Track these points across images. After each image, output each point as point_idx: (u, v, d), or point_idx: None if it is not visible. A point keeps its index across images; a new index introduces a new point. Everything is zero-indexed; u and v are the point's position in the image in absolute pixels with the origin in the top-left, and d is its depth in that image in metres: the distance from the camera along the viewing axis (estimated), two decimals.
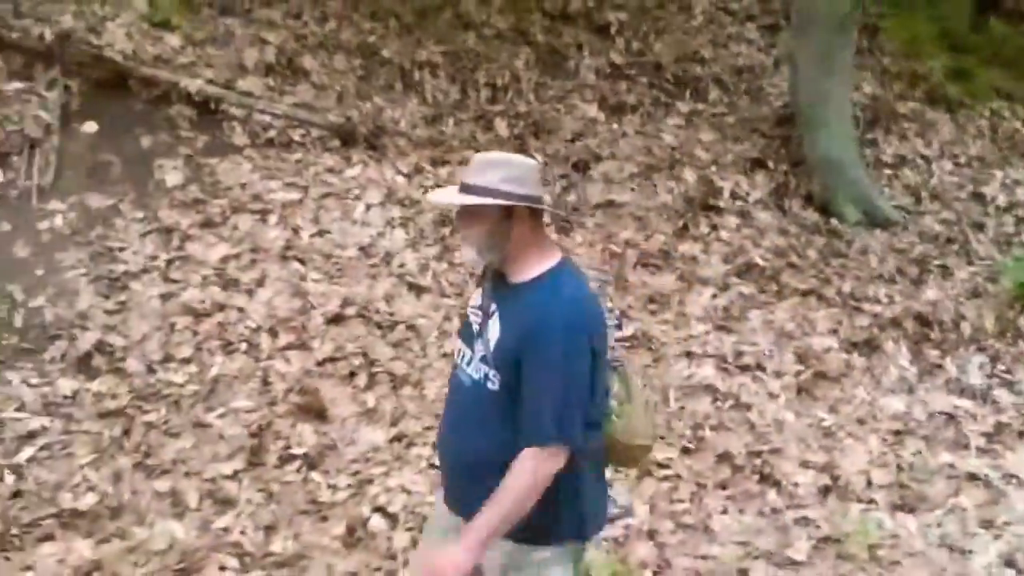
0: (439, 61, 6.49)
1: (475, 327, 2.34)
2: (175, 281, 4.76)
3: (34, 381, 4.23)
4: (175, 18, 6.02)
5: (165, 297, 4.67)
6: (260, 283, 4.83)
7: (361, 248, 5.17)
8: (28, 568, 3.50)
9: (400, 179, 5.63)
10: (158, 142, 5.51)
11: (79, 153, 5.33)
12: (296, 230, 5.21)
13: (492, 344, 2.25)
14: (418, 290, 5.06)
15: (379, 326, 4.78)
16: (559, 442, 2.17)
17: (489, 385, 2.26)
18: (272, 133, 5.76)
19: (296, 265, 4.98)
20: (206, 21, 6.14)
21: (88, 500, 3.77)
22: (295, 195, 5.39)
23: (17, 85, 5.35)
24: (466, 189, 2.26)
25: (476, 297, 2.42)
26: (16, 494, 3.76)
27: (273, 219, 5.23)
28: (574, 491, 2.29)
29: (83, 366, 4.34)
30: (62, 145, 5.28)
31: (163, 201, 5.19)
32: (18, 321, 4.47)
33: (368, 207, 5.41)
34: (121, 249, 4.87)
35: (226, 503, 3.86)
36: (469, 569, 2.18)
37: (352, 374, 4.52)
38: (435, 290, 5.10)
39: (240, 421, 4.20)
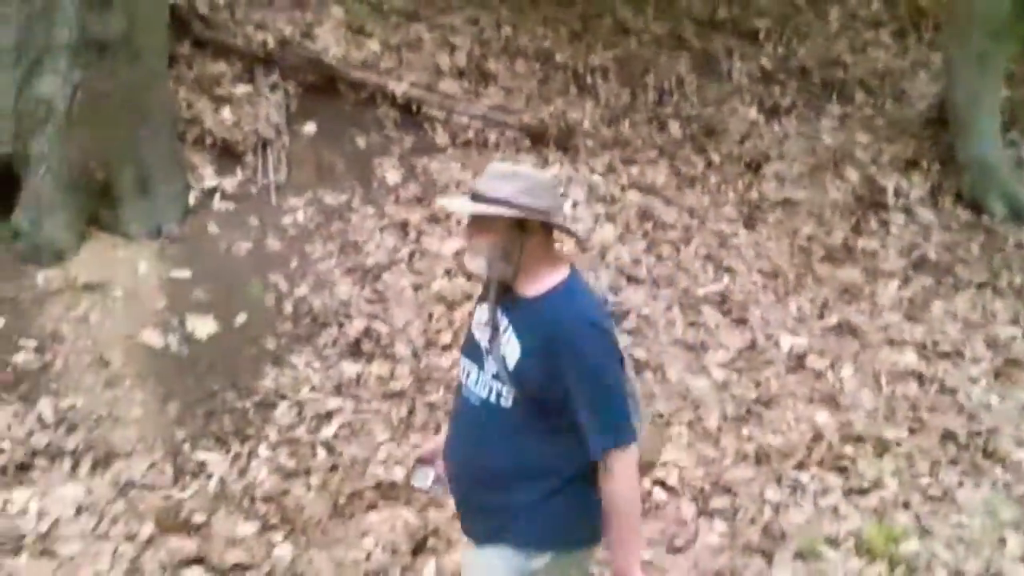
0: (609, 65, 6.79)
1: (483, 345, 2.32)
2: (420, 273, 5.05)
3: (317, 365, 4.53)
4: (369, 24, 6.32)
5: (416, 288, 4.96)
6: None
7: (577, 243, 5.46)
8: (365, 534, 3.79)
9: (597, 177, 5.92)
10: (371, 142, 5.80)
11: (303, 152, 5.62)
12: None
13: (511, 362, 2.23)
14: (635, 281, 5.36)
15: (612, 315, 5.05)
16: (633, 439, 2.24)
17: (502, 402, 2.25)
18: (470, 134, 6.04)
19: None
20: (396, 27, 6.43)
21: (398, 473, 4.06)
22: None
23: (244, 88, 5.63)
24: (479, 198, 2.25)
25: (480, 313, 2.39)
26: (333, 468, 4.06)
27: None
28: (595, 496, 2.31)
29: (355, 351, 4.63)
30: (288, 145, 5.58)
31: (388, 198, 5.49)
32: (287, 309, 4.76)
33: (575, 204, 5.71)
34: (364, 242, 5.16)
35: None
36: None
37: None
38: (648, 281, 5.40)
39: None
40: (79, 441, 3.96)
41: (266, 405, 4.29)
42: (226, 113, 5.45)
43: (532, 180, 2.28)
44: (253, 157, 5.43)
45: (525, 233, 2.24)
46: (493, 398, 2.27)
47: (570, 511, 2.31)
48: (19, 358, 4.26)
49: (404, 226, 5.29)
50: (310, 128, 5.74)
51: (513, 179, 2.26)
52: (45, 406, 4.08)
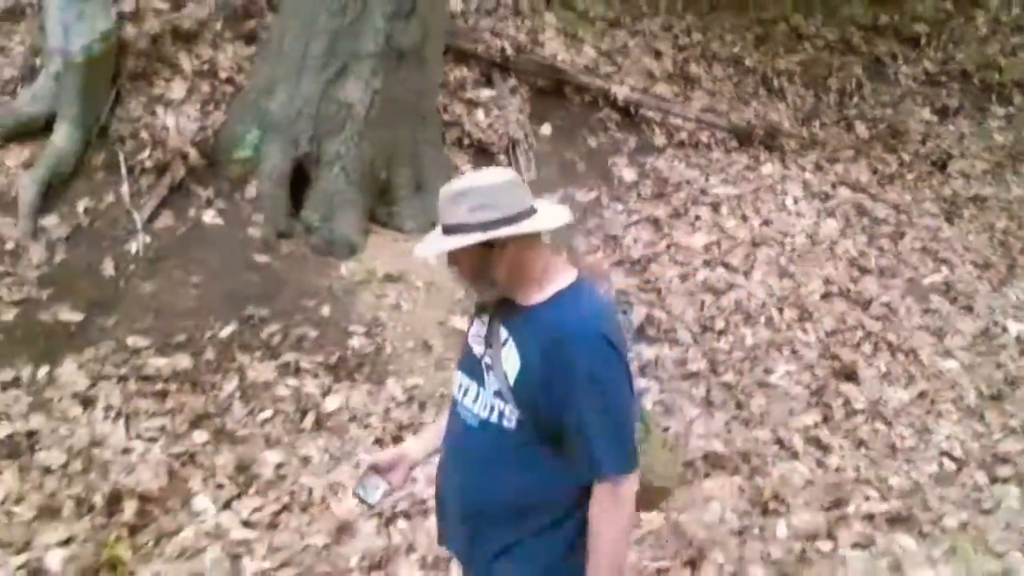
0: (794, 69, 7.18)
1: (483, 359, 2.11)
2: (681, 264, 5.44)
3: None
4: (580, 31, 6.70)
5: (683, 278, 5.34)
6: (751, 266, 5.51)
7: (808, 236, 5.86)
8: (709, 499, 4.16)
9: (808, 175, 6.32)
10: (600, 142, 6.19)
11: (544, 151, 6.00)
12: (745, 219, 5.89)
13: (512, 376, 2.02)
14: (866, 272, 5.74)
15: (856, 302, 5.46)
16: (633, 466, 2.01)
17: (504, 423, 2.04)
18: (683, 135, 6.43)
19: (767, 250, 5.66)
20: (602, 33, 6.81)
21: (716, 445, 4.44)
22: (733, 189, 6.07)
23: (488, 92, 6.00)
24: (445, 231, 2.06)
25: (477, 325, 2.19)
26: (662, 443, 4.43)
27: (724, 210, 5.91)
28: None
29: (641, 335, 5.01)
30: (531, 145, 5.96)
31: (630, 195, 5.87)
32: None
33: (795, 200, 6.10)
34: (622, 237, 5.55)
35: (825, 448, 4.54)
36: None
37: (858, 344, 5.20)
38: (876, 272, 5.79)
39: (795, 381, 4.88)
40: (434, 418, 4.33)
41: None
42: (480, 116, 5.83)
43: (481, 192, 2.02)
44: (505, 157, 5.81)
45: (495, 249, 2.01)
46: (495, 418, 2.05)
47: (582, 548, 2.05)
48: (354, 342, 4.63)
49: (655, 221, 5.67)
50: (546, 129, 6.12)
51: (462, 198, 2.01)
52: (393, 386, 4.45)
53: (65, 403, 4.08)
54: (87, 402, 4.10)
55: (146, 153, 5.03)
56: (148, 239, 4.84)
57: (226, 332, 4.53)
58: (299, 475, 3.92)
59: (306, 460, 4.02)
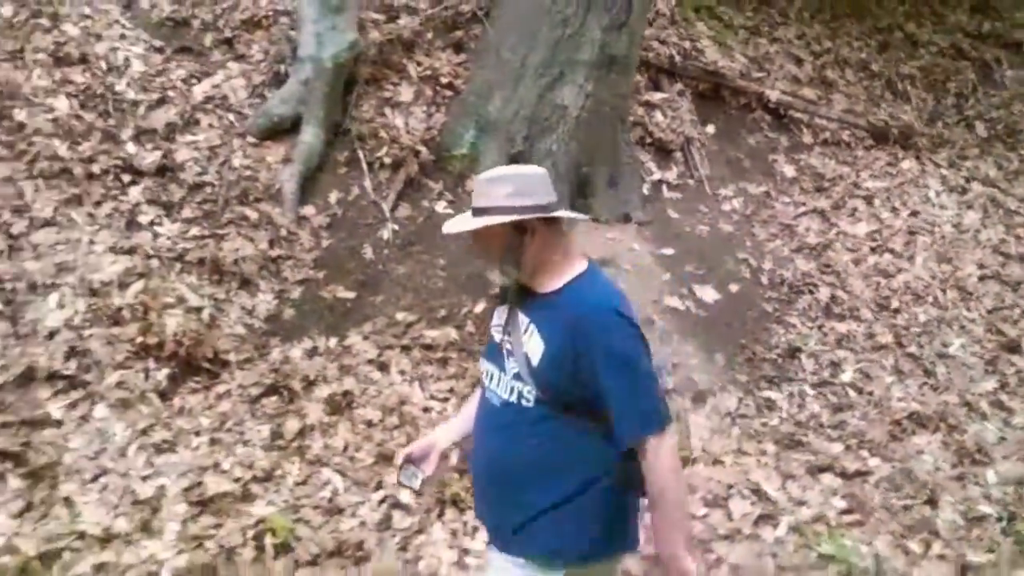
0: (915, 74, 7.81)
1: (504, 346, 2.29)
2: (852, 250, 6.05)
3: (809, 324, 5.51)
4: (728, 39, 7.30)
5: (856, 262, 5.96)
6: (912, 252, 6.12)
7: (953, 225, 6.48)
8: (920, 452, 4.77)
9: (944, 171, 6.94)
10: (758, 141, 6.80)
11: (712, 150, 6.60)
12: (895, 210, 6.51)
13: (536, 359, 2.19)
14: (1008, 257, 6.37)
15: (1008, 284, 6.09)
16: (666, 421, 2.17)
17: (523, 403, 2.23)
18: (827, 134, 7.04)
19: (922, 238, 6.28)
20: (745, 41, 7.42)
21: (914, 406, 5.05)
22: (881, 183, 6.69)
23: (660, 95, 6.61)
24: (476, 213, 2.24)
25: (498, 315, 2.38)
26: (868, 403, 5.05)
27: (876, 202, 6.53)
28: (622, 502, 2.28)
29: (830, 313, 5.62)
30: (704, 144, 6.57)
31: (794, 188, 6.48)
32: (764, 280, 5.74)
33: (937, 193, 6.72)
34: (795, 226, 6.16)
35: (1008, 410, 5.16)
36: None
37: (1016, 321, 5.83)
38: (1017, 258, 6.41)
39: (970, 353, 5.50)
40: (675, 383, 4.94)
41: (789, 355, 5.27)
42: (659, 116, 6.43)
43: (519, 179, 2.25)
44: (681, 154, 6.42)
45: (525, 233, 2.21)
46: (515, 398, 2.24)
47: (592, 518, 2.25)
48: None
49: (821, 212, 6.28)
50: (710, 129, 6.72)
51: (500, 183, 2.23)
52: None
53: (364, 368, 4.68)
54: (382, 367, 4.70)
55: (384, 150, 5.62)
56: (395, 227, 5.44)
57: (479, 308, 5.13)
58: None
59: None
